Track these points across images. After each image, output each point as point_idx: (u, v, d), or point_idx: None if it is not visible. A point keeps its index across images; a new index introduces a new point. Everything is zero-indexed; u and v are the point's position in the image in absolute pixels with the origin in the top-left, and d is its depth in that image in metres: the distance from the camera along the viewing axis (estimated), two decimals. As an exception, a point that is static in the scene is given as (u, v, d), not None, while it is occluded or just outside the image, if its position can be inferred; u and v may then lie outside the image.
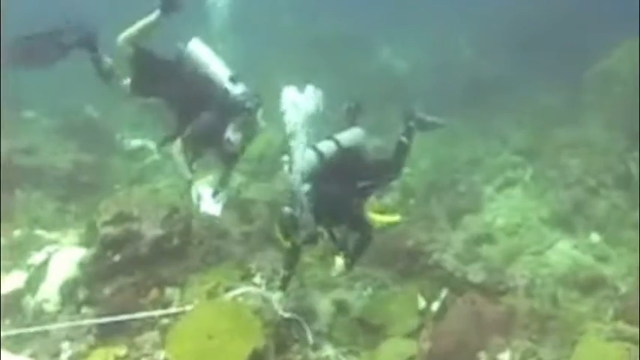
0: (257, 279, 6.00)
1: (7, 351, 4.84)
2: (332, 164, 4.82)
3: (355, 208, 4.95)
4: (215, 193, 5.62)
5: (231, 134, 5.21)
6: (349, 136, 5.10)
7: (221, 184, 5.74)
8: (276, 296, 5.37)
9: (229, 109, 5.17)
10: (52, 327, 5.25)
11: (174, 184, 8.22)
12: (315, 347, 5.51)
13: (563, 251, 7.38)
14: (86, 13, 5.19)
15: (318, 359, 5.23)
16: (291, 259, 5.31)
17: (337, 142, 4.94)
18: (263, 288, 5.78)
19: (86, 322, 5.30)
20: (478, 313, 4.83)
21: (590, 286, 6.28)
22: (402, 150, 5.38)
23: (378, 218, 5.20)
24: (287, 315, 5.31)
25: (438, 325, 4.89)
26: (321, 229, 4.76)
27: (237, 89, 5.12)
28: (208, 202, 5.56)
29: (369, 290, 6.25)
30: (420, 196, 8.69)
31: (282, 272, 5.44)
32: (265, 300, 5.40)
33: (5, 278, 6.01)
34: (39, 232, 6.90)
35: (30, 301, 5.75)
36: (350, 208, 4.88)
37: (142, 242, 5.88)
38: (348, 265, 4.88)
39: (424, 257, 6.36)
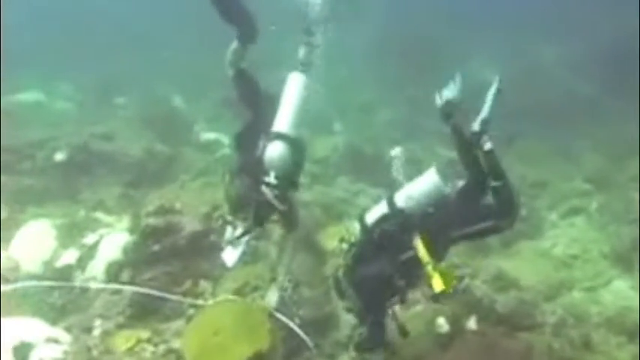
0: (284, 282, 6.15)
1: (46, 322, 5.33)
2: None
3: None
4: (236, 240, 4.82)
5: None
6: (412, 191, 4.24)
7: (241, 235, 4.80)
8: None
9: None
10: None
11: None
12: (331, 356, 5.59)
13: (618, 291, 6.89)
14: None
15: (328, 367, 5.30)
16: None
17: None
18: (288, 292, 5.90)
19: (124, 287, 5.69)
20: (489, 347, 4.66)
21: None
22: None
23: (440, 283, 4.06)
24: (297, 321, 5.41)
25: (441, 354, 4.76)
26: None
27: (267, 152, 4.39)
28: (231, 251, 4.90)
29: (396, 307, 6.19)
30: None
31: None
32: (283, 304, 5.53)
33: (62, 253, 6.60)
34: (99, 214, 7.45)
35: (79, 278, 6.27)
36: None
37: (180, 235, 6.22)
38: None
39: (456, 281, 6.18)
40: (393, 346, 4.69)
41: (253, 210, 4.53)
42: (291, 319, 5.49)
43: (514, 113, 8.81)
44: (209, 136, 11.59)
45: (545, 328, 5.48)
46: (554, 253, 7.71)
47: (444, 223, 4.13)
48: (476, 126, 3.88)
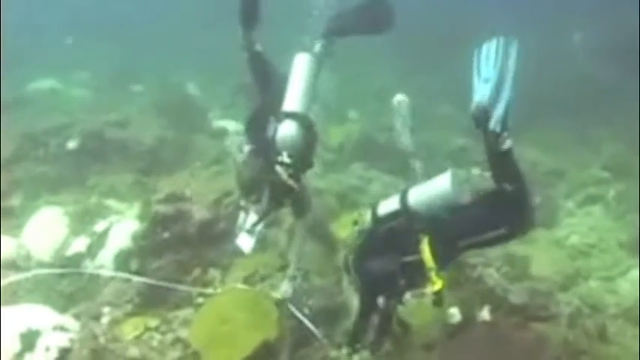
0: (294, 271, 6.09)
1: (55, 309, 5.34)
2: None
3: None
4: (252, 227, 4.79)
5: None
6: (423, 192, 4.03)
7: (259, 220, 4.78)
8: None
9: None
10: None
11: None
12: (341, 346, 5.53)
13: (636, 280, 6.73)
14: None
15: (337, 357, 5.23)
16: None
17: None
18: (298, 281, 5.83)
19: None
20: (500, 338, 4.56)
21: (656, 323, 5.69)
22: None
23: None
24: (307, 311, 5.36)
25: (449, 344, 4.66)
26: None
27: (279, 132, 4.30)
28: (246, 237, 4.87)
29: (408, 295, 6.11)
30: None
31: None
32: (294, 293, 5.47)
33: (73, 241, 6.61)
34: (111, 202, 7.45)
35: (88, 266, 6.28)
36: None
37: (190, 223, 6.19)
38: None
39: (469, 269, 6.08)
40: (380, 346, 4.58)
41: (268, 193, 4.49)
42: (301, 309, 5.44)
43: (532, 98, 8.62)
44: (222, 123, 11.53)
45: (560, 319, 5.33)
46: (570, 242, 7.56)
47: (454, 230, 3.89)
48: (494, 125, 3.42)
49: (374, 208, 4.29)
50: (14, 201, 7.80)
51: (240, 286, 5.58)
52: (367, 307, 4.35)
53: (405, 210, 4.03)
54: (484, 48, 3.58)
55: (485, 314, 5.58)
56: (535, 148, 10.36)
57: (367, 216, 4.33)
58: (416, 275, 4.01)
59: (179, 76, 15.12)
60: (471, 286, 5.95)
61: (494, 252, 6.33)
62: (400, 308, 4.72)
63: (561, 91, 11.85)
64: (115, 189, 8.07)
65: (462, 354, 4.50)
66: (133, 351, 4.71)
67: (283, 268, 6.09)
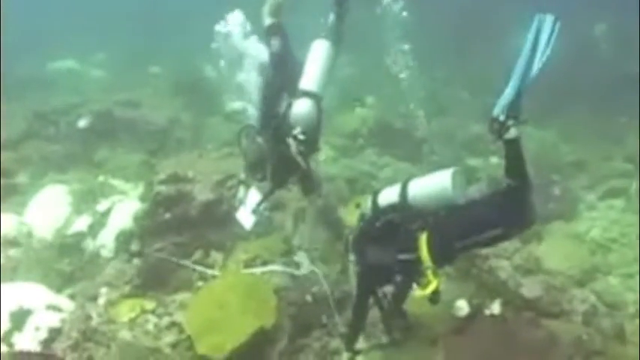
0: (299, 256, 5.89)
1: (52, 289, 5.23)
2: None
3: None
4: (257, 206, 4.93)
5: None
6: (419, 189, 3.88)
7: (263, 198, 4.97)
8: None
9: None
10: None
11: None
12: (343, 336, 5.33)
13: (659, 278, 6.38)
14: None
15: (337, 348, 5.03)
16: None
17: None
18: (305, 265, 5.62)
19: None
20: (509, 334, 4.31)
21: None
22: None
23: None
24: (309, 298, 5.17)
25: (455, 339, 4.42)
26: None
27: (294, 108, 4.39)
28: (246, 211, 4.99)
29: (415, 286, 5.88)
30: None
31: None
32: (294, 280, 5.28)
33: (75, 220, 6.50)
34: (116, 181, 7.32)
35: (89, 245, 6.16)
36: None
37: (192, 204, 6.02)
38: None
39: (480, 260, 5.82)
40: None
41: (273, 168, 4.55)
42: (303, 296, 5.26)
43: (555, 89, 8.28)
44: (236, 105, 11.30)
45: (575, 316, 5.05)
46: (589, 236, 7.20)
47: (451, 230, 3.70)
48: (497, 112, 3.26)
49: (375, 196, 4.11)
50: (21, 179, 7.73)
51: (244, 271, 5.39)
52: (364, 293, 4.24)
53: (403, 204, 3.86)
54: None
55: (495, 308, 5.34)
56: (557, 139, 10.04)
57: (368, 202, 4.16)
58: (411, 272, 3.83)
59: (199, 58, 14.97)
60: (481, 278, 5.71)
61: (508, 244, 6.05)
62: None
63: (585, 82, 11.43)
64: (122, 169, 7.96)
65: (467, 350, 4.25)
66: (125, 334, 4.56)
67: (287, 253, 5.93)
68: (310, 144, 4.48)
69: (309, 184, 5.00)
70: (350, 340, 4.61)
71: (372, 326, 5.24)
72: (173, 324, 4.90)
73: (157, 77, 13.99)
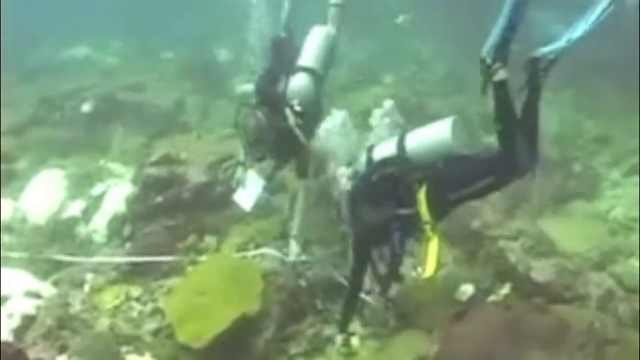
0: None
1: (37, 275, 5.06)
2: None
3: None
4: (263, 189, 5.07)
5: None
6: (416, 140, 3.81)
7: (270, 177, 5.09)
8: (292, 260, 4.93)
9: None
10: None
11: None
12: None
13: (686, 261, 5.88)
14: None
15: (332, 335, 4.73)
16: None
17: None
18: (294, 252, 5.30)
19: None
20: (513, 322, 3.93)
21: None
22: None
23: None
24: (303, 283, 4.88)
25: (452, 328, 4.05)
26: None
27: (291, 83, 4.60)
28: (245, 193, 5.03)
29: (419, 270, 5.53)
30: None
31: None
32: (284, 264, 5.00)
33: (70, 205, 6.34)
34: (114, 165, 7.13)
35: (82, 230, 5.99)
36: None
37: (185, 187, 5.79)
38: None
39: (489, 242, 5.44)
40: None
41: (273, 144, 4.60)
42: (296, 280, 4.97)
43: (580, 61, 7.75)
44: (245, 87, 11.04)
45: (589, 302, 4.65)
46: (611, 216, 6.70)
47: (446, 182, 3.62)
48: (485, 53, 3.13)
49: (370, 151, 4.00)
50: (21, 164, 7.61)
51: (231, 255, 5.14)
52: (361, 257, 4.05)
53: (401, 156, 3.75)
54: None
55: (504, 293, 4.98)
56: (581, 113, 9.46)
57: (362, 158, 4.05)
58: (410, 227, 3.72)
59: (214, 42, 14.76)
60: (490, 261, 5.34)
61: (519, 224, 5.65)
62: (408, 282, 4.50)
63: (611, 55, 10.78)
64: (124, 153, 7.77)
65: (465, 340, 3.88)
66: (103, 321, 4.34)
67: (282, 236, 5.64)
68: (309, 122, 4.59)
69: (303, 165, 5.00)
70: (345, 320, 4.43)
71: (372, 313, 5.02)
72: (157, 310, 4.69)
73: (169, 62, 13.80)
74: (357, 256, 4.08)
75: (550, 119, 9.13)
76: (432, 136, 3.69)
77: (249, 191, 5.07)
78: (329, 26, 4.90)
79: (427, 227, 3.53)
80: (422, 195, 3.58)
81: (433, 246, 3.53)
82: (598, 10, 3.21)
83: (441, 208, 3.63)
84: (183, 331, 4.10)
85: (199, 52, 13.42)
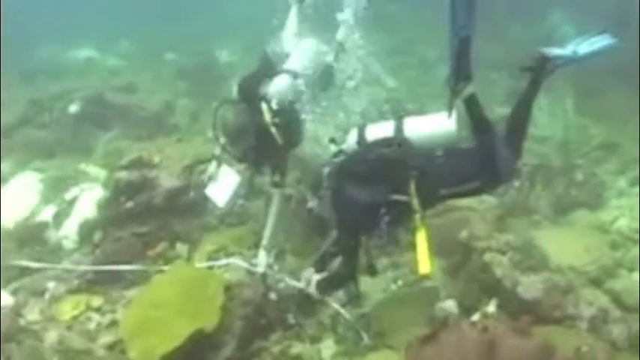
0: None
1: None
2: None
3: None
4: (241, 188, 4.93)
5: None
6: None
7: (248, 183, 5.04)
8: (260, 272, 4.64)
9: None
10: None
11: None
12: (314, 339, 4.71)
13: (692, 276, 5.46)
14: None
15: (300, 353, 4.42)
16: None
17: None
18: (264, 262, 4.96)
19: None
20: (488, 346, 3.57)
21: None
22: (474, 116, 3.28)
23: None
24: (274, 296, 4.57)
25: (422, 348, 3.69)
26: None
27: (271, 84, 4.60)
28: (219, 188, 4.80)
29: (399, 283, 5.19)
30: (523, 178, 7.07)
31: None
32: (251, 275, 4.69)
33: (43, 209, 6.10)
34: (92, 168, 6.89)
35: (52, 235, 5.74)
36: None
37: (157, 191, 5.52)
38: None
39: (477, 254, 5.07)
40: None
41: (252, 143, 4.47)
42: (266, 293, 4.66)
43: (587, 65, 7.35)
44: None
45: (580, 323, 4.26)
46: (614, 227, 6.29)
47: (440, 176, 3.56)
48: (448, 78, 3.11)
49: (362, 130, 3.77)
50: (5, 166, 7.41)
51: (199, 264, 4.85)
52: (347, 242, 3.82)
53: (399, 139, 3.60)
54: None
55: (491, 309, 4.61)
56: (588, 118, 9.03)
57: (352, 136, 3.79)
58: (400, 214, 3.55)
59: (217, 44, 14.58)
60: (474, 275, 4.98)
61: (509, 236, 5.27)
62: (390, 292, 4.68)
63: (619, 59, 10.33)
64: (108, 155, 7.54)
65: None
66: (52, 334, 4.06)
67: (257, 245, 5.33)
68: (290, 126, 4.55)
69: (280, 172, 4.83)
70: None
71: (346, 329, 4.71)
72: (115, 322, 4.39)
73: (170, 64, 13.62)
74: (342, 244, 3.87)
75: (555, 125, 8.76)
76: (435, 122, 3.59)
77: (222, 186, 4.80)
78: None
79: (417, 217, 3.39)
80: (412, 185, 3.47)
81: (422, 239, 3.36)
82: (603, 42, 3.43)
83: (430, 200, 3.56)
84: (134, 347, 3.80)
85: (200, 53, 13.24)
